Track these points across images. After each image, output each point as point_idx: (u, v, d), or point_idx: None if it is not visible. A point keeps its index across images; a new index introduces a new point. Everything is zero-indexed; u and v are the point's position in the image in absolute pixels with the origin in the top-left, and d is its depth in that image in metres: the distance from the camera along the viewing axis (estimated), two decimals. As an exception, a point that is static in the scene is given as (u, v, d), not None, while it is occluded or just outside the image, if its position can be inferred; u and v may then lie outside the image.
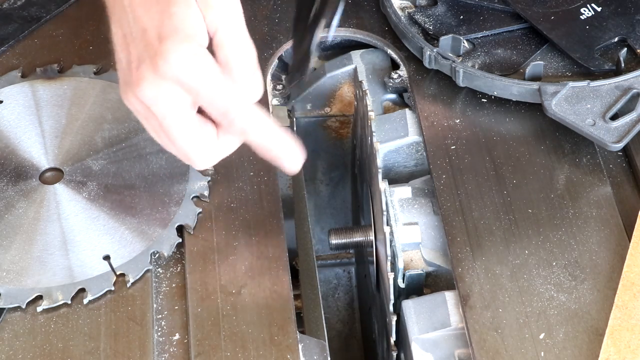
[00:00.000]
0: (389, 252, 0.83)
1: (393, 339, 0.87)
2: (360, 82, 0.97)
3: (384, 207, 0.85)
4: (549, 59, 0.95)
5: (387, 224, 0.86)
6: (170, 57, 0.71)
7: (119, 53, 0.76)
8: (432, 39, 0.97)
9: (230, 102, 0.73)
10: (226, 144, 0.77)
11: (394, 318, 0.85)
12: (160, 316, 0.81)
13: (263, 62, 0.97)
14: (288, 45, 1.03)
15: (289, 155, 0.77)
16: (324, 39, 1.04)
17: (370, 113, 0.91)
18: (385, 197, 0.87)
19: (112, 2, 0.77)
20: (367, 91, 0.94)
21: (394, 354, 0.88)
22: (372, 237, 0.91)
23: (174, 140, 0.75)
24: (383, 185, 0.86)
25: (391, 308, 0.85)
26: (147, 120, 0.76)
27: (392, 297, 0.84)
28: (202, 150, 0.76)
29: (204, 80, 0.72)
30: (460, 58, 0.95)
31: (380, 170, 0.86)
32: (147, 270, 0.83)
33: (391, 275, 0.83)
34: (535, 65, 0.92)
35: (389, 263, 0.84)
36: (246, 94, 0.74)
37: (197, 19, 0.72)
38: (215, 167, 0.89)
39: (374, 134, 0.89)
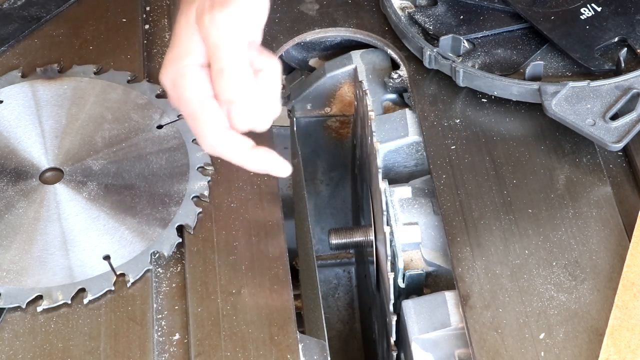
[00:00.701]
0: (389, 252, 0.83)
1: (393, 339, 0.87)
2: (360, 82, 0.97)
3: (384, 207, 0.85)
4: (549, 59, 0.95)
5: (387, 224, 0.86)
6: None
7: None
8: (432, 39, 0.97)
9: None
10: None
11: (394, 318, 0.85)
12: (160, 316, 0.81)
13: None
14: (288, 45, 1.03)
15: (274, 169, 0.78)
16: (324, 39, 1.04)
17: (370, 113, 0.91)
18: (385, 197, 0.87)
19: None
20: (367, 91, 0.94)
21: (394, 354, 0.88)
22: (372, 237, 0.91)
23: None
24: (383, 185, 0.86)
25: (391, 308, 0.85)
26: None
27: (392, 297, 0.84)
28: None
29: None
30: (460, 58, 0.95)
31: (380, 170, 0.86)
32: (147, 270, 0.83)
33: (391, 275, 0.83)
34: (535, 65, 0.92)
35: (389, 263, 0.84)
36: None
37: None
38: (215, 167, 0.89)
39: (374, 134, 0.89)
